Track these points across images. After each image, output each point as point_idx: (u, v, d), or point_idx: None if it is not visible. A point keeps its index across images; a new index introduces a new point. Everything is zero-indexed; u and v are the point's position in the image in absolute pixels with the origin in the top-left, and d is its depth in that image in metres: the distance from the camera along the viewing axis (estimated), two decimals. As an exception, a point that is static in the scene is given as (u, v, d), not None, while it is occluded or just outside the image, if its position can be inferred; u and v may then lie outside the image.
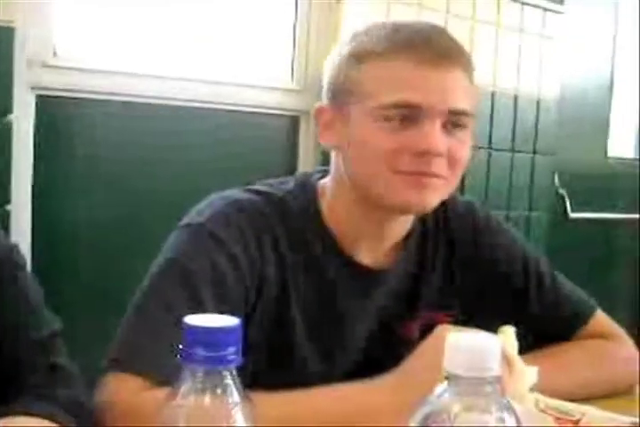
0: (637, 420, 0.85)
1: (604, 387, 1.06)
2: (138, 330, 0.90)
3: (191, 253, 0.95)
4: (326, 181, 1.06)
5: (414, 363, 0.88)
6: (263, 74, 2.11)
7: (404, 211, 1.00)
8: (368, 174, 0.97)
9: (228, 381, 0.47)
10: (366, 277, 1.05)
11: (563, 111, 2.69)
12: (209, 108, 2.00)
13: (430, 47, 0.93)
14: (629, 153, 3.32)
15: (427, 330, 1.09)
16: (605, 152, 3.15)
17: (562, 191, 2.84)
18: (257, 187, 1.06)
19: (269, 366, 1.01)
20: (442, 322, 1.10)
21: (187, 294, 0.91)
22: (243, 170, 1.91)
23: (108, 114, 1.83)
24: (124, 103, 1.85)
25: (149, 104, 1.90)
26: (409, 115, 0.92)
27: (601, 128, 3.12)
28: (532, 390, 0.86)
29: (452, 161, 0.95)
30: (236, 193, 1.03)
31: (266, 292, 0.98)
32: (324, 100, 1.02)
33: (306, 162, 2.13)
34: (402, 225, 1.06)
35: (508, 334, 0.87)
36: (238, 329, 0.46)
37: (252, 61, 2.09)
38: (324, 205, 1.04)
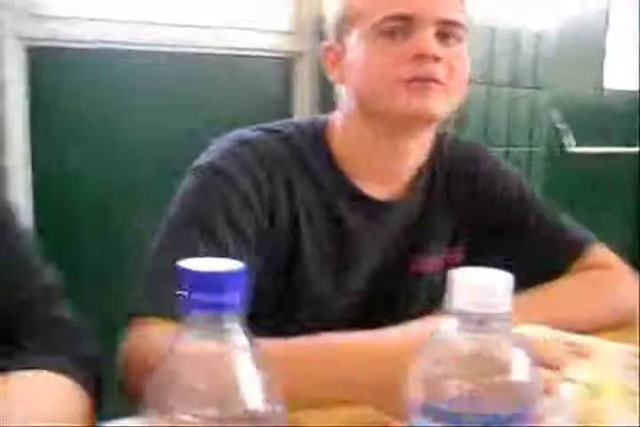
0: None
1: (608, 315, 1.06)
2: (159, 274, 0.90)
3: (203, 193, 0.97)
4: (335, 116, 1.07)
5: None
6: (257, 16, 2.06)
7: (414, 118, 0.99)
8: (374, 89, 0.99)
9: (233, 326, 0.46)
10: (376, 209, 1.07)
11: (561, 44, 2.64)
12: (202, 53, 1.96)
13: None
14: (629, 85, 3.27)
15: (443, 266, 1.11)
16: (602, 85, 3.11)
17: (560, 126, 2.81)
18: (268, 126, 1.07)
19: (280, 298, 1.04)
20: (453, 260, 1.12)
21: (204, 236, 0.92)
22: (240, 113, 1.89)
23: (101, 62, 1.79)
24: (119, 51, 1.81)
25: (143, 51, 1.86)
26: (403, 27, 0.96)
27: (597, 61, 3.07)
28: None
29: (450, 69, 0.97)
30: (244, 132, 1.05)
31: (278, 225, 1.00)
32: (329, 39, 1.05)
33: (302, 103, 2.10)
34: (412, 153, 1.07)
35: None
36: (241, 274, 0.45)
37: (244, 4, 2.04)
38: (335, 139, 1.06)
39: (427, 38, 0.96)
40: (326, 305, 1.05)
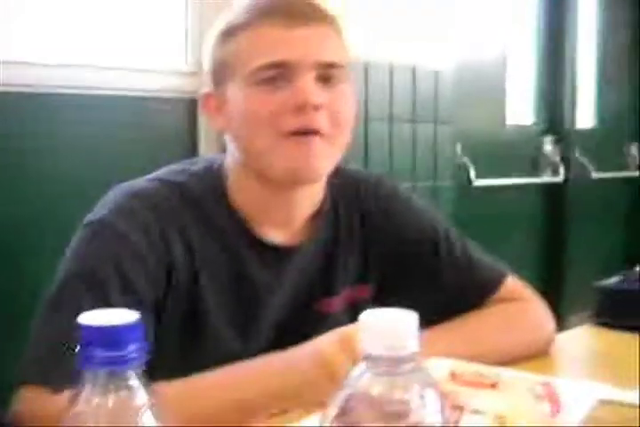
0: (551, 380, 0.86)
1: (518, 349, 1.07)
2: (44, 339, 0.86)
3: (94, 253, 0.92)
4: (228, 164, 1.04)
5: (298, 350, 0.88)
6: (156, 58, 2.05)
7: (295, 179, 0.98)
8: (255, 143, 0.96)
9: (133, 381, 0.44)
10: (278, 256, 1.04)
11: (460, 83, 2.72)
12: (101, 96, 1.92)
13: (291, 9, 0.96)
14: (527, 120, 3.41)
15: (350, 305, 1.10)
16: (504, 120, 3.22)
17: (464, 160, 2.88)
18: (159, 174, 1.03)
19: (184, 352, 1.00)
20: (361, 296, 1.11)
21: (94, 298, 0.88)
22: (144, 157, 1.85)
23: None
24: (6, 93, 1.76)
25: (44, 94, 1.81)
26: (281, 74, 0.93)
27: (498, 98, 3.18)
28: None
29: (334, 116, 0.95)
30: (136, 183, 1.00)
31: (175, 280, 0.96)
32: (207, 87, 1.02)
33: (207, 145, 2.09)
34: (306, 200, 1.05)
35: None
36: (138, 325, 0.43)
37: (143, 46, 2.02)
38: (229, 186, 1.02)
39: (305, 87, 0.93)
40: (234, 353, 1.01)
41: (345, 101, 0.98)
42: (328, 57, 0.96)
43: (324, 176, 1.00)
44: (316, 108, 0.93)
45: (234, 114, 0.98)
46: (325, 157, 0.96)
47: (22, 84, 1.77)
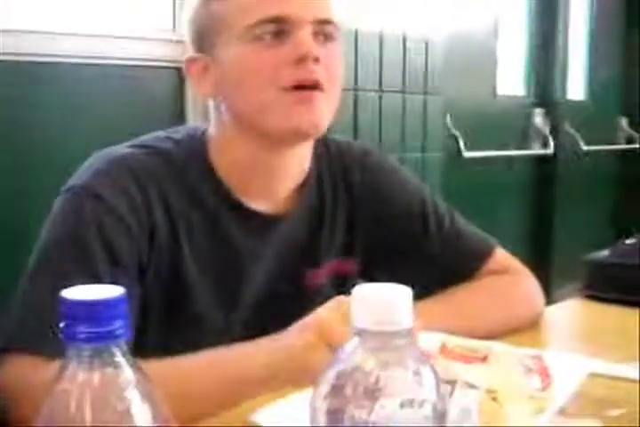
0: (542, 353, 0.86)
1: (508, 322, 1.06)
2: (30, 307, 0.85)
3: (76, 218, 0.91)
4: (211, 129, 1.02)
5: (290, 329, 0.85)
6: (143, 25, 2.01)
7: (297, 134, 0.97)
8: (255, 100, 0.95)
9: (118, 357, 0.42)
10: (261, 223, 1.02)
11: (450, 53, 2.70)
12: (88, 64, 1.89)
13: None
14: (518, 91, 3.39)
15: (335, 278, 1.09)
16: (494, 91, 3.20)
17: (454, 132, 2.86)
18: (141, 141, 1.02)
19: (167, 321, 0.99)
20: (347, 270, 1.10)
21: (78, 263, 0.87)
22: (131, 126, 1.82)
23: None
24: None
25: (31, 62, 1.77)
26: (279, 30, 0.93)
27: (489, 69, 3.16)
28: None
29: (329, 71, 0.95)
30: (117, 149, 0.99)
31: (157, 246, 0.95)
32: (191, 52, 1.00)
33: (195, 113, 2.06)
34: (293, 165, 1.03)
35: None
36: (123, 300, 0.42)
37: (131, 13, 1.98)
38: (213, 153, 1.01)
39: (306, 39, 0.93)
40: (216, 323, 1.01)
41: (338, 60, 0.98)
42: (325, 13, 0.96)
43: (322, 132, 0.99)
44: (316, 60, 0.93)
45: (227, 73, 0.96)
46: (325, 113, 0.96)
47: (10, 53, 1.73)
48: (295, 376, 0.78)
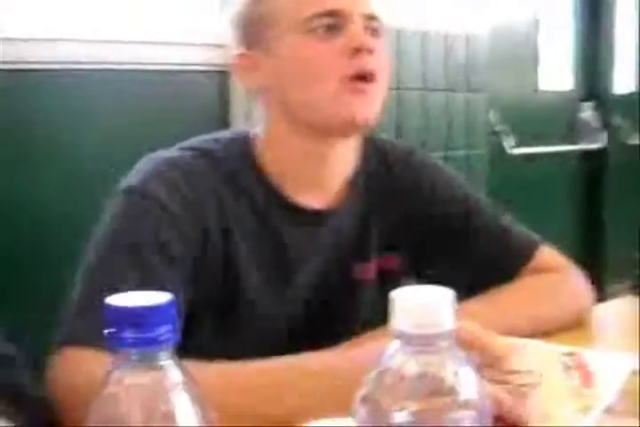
0: (578, 350, 0.85)
1: (554, 321, 1.06)
2: (88, 305, 0.86)
3: (131, 218, 0.94)
4: (257, 129, 1.05)
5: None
6: (187, 31, 2.04)
7: (351, 125, 0.98)
8: (312, 91, 0.97)
9: (165, 361, 0.43)
10: (310, 218, 1.04)
11: (493, 49, 2.67)
12: (132, 70, 1.92)
13: None
14: (564, 86, 3.33)
15: (380, 274, 1.09)
16: (537, 86, 3.16)
17: (498, 128, 2.84)
18: (188, 144, 1.04)
19: (219, 320, 1.01)
20: (392, 266, 1.11)
21: (133, 262, 0.89)
22: (176, 131, 1.84)
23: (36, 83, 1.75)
24: (42, 71, 1.76)
25: (76, 70, 1.81)
26: (332, 23, 0.97)
27: (531, 63, 3.12)
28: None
29: (381, 64, 0.98)
30: (167, 152, 1.02)
31: (210, 240, 0.97)
32: (238, 49, 1.02)
33: (238, 118, 2.08)
34: (343, 158, 1.05)
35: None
36: (169, 306, 0.43)
37: (175, 19, 2.01)
38: (260, 151, 1.03)
39: (360, 31, 0.97)
40: (268, 319, 1.03)
41: (386, 55, 1.01)
42: (373, 9, 1.00)
43: (373, 124, 1.01)
44: (370, 51, 0.96)
45: (283, 65, 0.99)
46: (377, 105, 0.99)
47: (55, 62, 1.77)
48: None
